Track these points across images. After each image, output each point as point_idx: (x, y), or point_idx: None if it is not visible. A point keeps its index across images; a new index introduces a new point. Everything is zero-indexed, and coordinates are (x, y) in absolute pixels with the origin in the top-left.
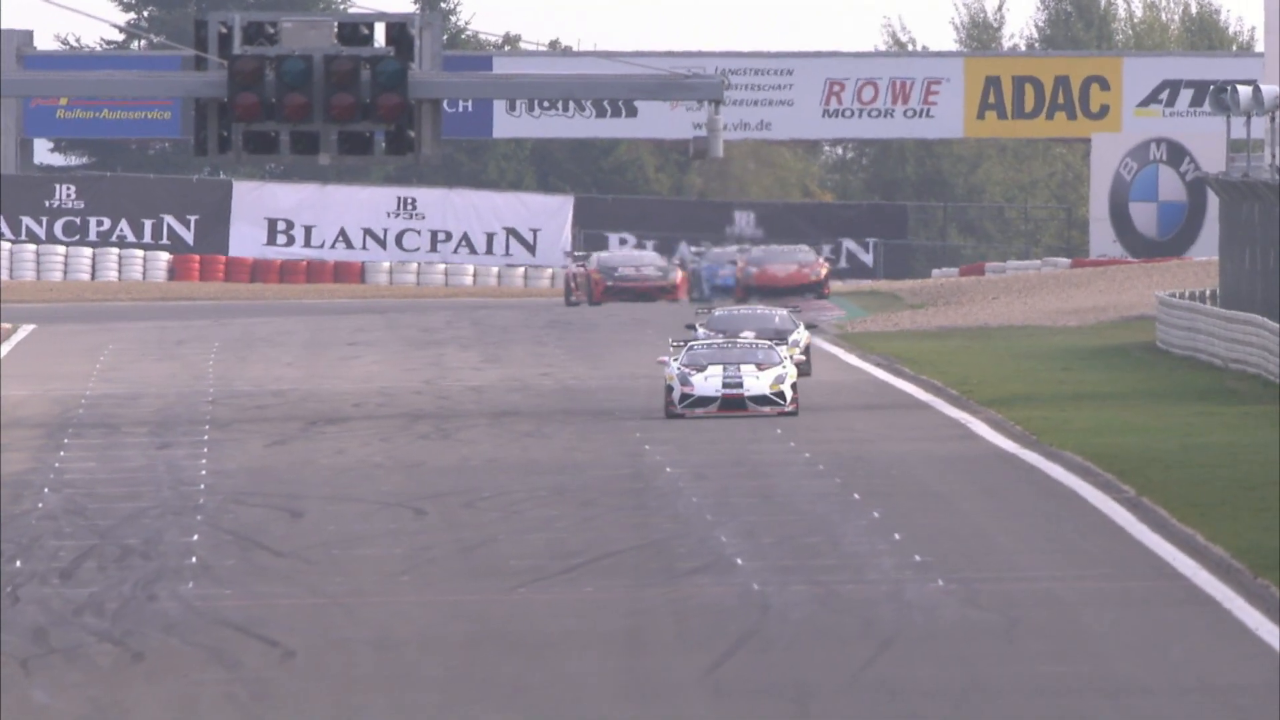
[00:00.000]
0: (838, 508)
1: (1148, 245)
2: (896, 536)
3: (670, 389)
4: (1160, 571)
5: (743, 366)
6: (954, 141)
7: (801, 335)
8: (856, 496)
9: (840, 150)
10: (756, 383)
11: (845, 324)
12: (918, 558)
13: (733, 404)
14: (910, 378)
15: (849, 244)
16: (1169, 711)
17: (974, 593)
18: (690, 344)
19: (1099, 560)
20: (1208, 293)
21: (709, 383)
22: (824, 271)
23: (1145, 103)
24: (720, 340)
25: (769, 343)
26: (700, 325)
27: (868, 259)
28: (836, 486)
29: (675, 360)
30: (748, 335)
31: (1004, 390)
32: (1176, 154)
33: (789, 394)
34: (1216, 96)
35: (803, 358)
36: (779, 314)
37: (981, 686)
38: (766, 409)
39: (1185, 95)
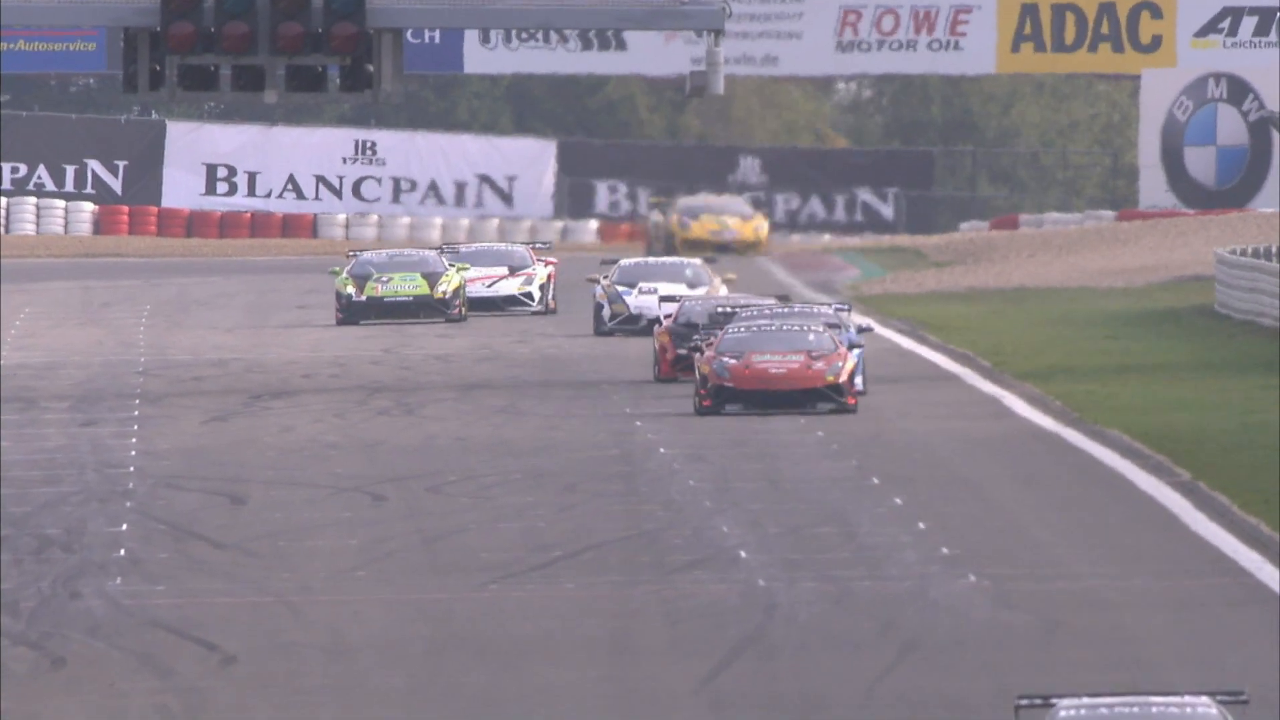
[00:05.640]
0: (853, 494)
1: (1205, 195)
2: (920, 527)
3: None
4: (1218, 567)
5: None
6: (985, 78)
7: None
8: (875, 481)
9: (856, 88)
10: None
11: (861, 284)
12: (944, 551)
13: None
14: (936, 346)
15: (866, 194)
16: None
17: (1007, 592)
18: None
19: (1149, 555)
20: (1274, 249)
21: None
22: (846, 368)
23: (1203, 32)
24: None
25: None
26: None
27: (887, 211)
28: (852, 470)
29: None
30: None
31: (1041, 361)
32: (1238, 91)
33: None
34: None
35: None
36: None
37: (1015, 699)
38: None
39: (1249, 23)
